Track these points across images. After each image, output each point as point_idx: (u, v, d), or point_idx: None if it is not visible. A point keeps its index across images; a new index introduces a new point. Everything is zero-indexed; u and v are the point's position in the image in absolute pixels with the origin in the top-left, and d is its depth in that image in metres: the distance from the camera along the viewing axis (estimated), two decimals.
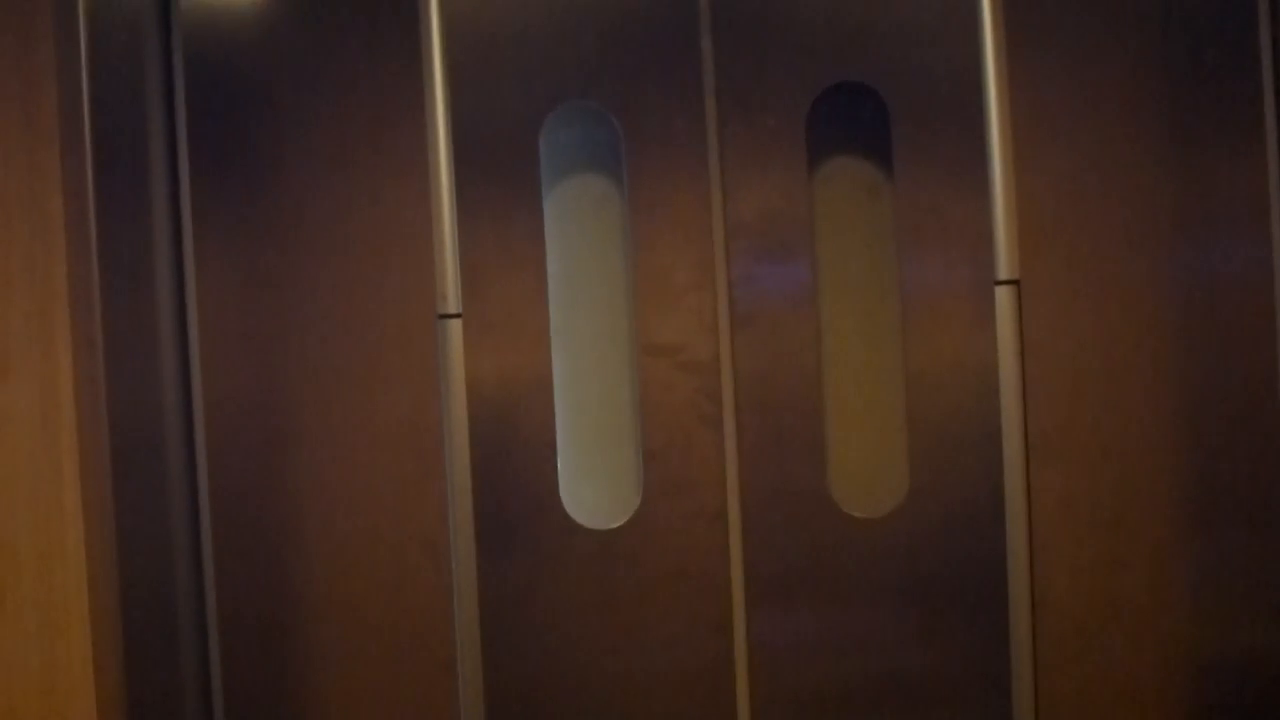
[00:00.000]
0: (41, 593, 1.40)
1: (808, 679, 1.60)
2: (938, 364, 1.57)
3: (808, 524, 1.58)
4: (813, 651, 1.59)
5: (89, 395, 1.43)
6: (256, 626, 1.60)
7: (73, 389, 1.41)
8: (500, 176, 1.58)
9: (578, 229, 1.63)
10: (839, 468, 1.60)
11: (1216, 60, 1.54)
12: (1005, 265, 1.54)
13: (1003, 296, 1.55)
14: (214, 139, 1.58)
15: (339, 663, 1.60)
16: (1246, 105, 1.54)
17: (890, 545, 1.58)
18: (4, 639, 1.39)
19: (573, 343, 1.63)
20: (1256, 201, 1.54)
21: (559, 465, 1.59)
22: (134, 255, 1.53)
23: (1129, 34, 1.54)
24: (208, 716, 1.61)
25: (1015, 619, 1.56)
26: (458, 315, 1.57)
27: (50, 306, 1.41)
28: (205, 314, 1.58)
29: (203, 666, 1.61)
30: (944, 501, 1.57)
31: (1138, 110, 1.55)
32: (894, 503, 1.58)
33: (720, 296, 1.58)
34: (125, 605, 1.46)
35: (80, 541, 1.41)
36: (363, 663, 1.60)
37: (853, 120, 1.59)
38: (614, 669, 1.60)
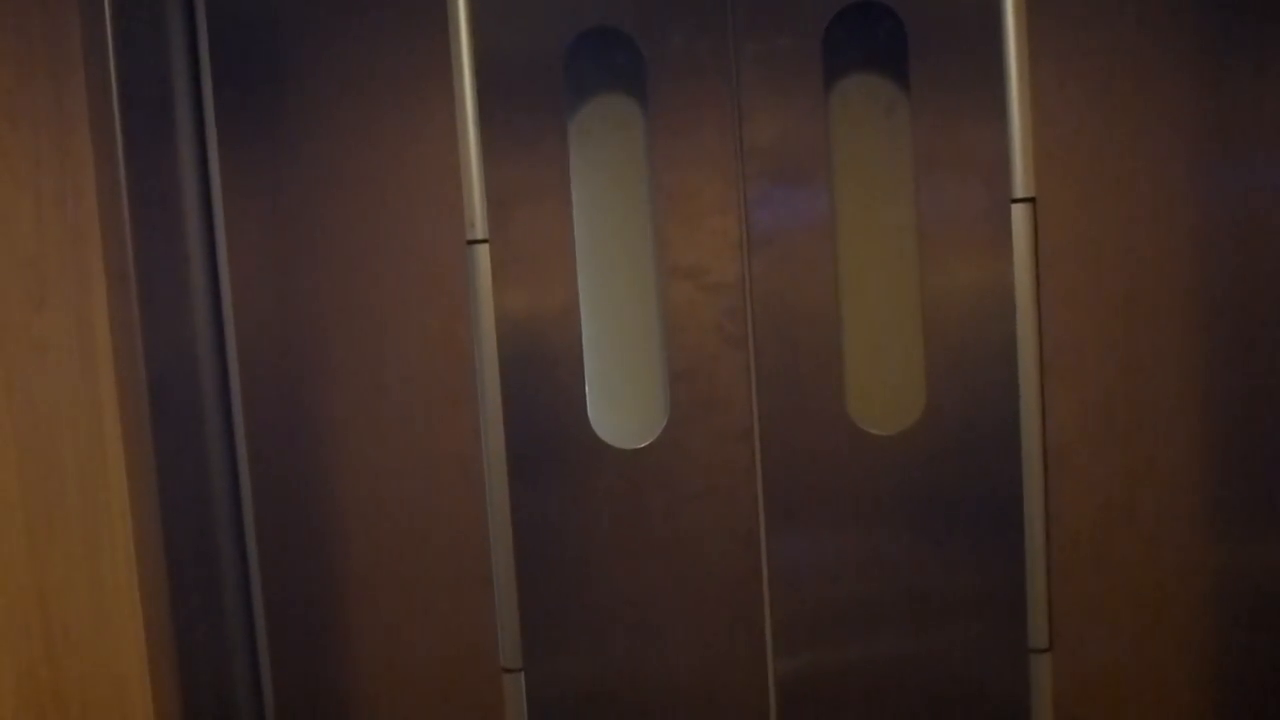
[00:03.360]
0: (87, 516, 1.41)
1: (828, 592, 1.58)
2: (954, 281, 1.53)
3: (826, 441, 1.56)
4: (833, 565, 1.58)
5: (124, 325, 1.43)
6: (294, 547, 1.60)
7: (108, 319, 1.41)
8: (525, 102, 1.53)
9: (601, 153, 1.59)
10: (857, 385, 1.58)
11: None
12: (1021, 183, 1.51)
13: (1018, 214, 1.51)
14: (237, 69, 1.55)
15: (378, 579, 1.60)
16: (1269, 22, 1.49)
17: (907, 461, 1.55)
18: (52, 561, 1.40)
19: (598, 265, 1.59)
20: (1278, 119, 1.49)
21: (587, 386, 1.58)
22: (162, 188, 1.51)
23: None
24: (249, 631, 1.62)
25: (1030, 533, 1.56)
26: (485, 241, 1.55)
27: (83, 240, 1.40)
28: (234, 244, 1.56)
29: (243, 584, 1.61)
30: (960, 418, 1.54)
31: (1157, 25, 1.48)
32: (910, 420, 1.56)
33: (744, 219, 1.56)
34: (166, 525, 1.47)
35: (121, 466, 1.41)
36: (401, 578, 1.60)
37: (869, 40, 1.53)
38: (644, 584, 1.59)
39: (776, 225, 1.55)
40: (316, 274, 1.56)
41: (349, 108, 1.54)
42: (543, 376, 1.57)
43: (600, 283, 1.60)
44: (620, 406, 1.61)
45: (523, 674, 1.61)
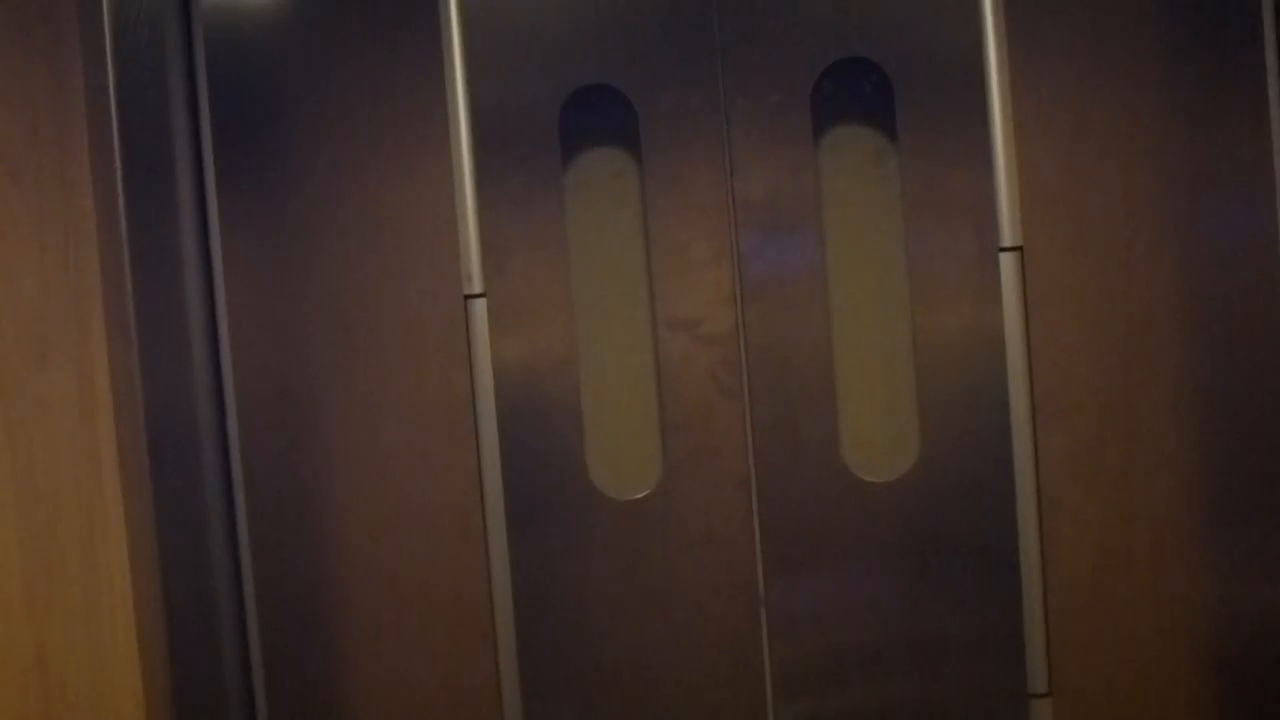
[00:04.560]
0: (86, 573, 1.39)
1: (827, 640, 1.57)
2: (945, 329, 1.54)
3: (822, 489, 1.55)
4: (832, 613, 1.57)
5: (124, 381, 1.42)
6: (293, 601, 1.57)
7: (109, 376, 1.40)
8: (520, 158, 1.55)
9: (596, 207, 1.60)
10: (851, 433, 1.58)
11: (1218, 25, 1.50)
12: (1009, 232, 1.53)
13: (1007, 262, 1.53)
14: (237, 128, 1.55)
15: (377, 634, 1.57)
16: (1249, 70, 1.50)
17: (903, 508, 1.55)
18: (51, 619, 1.38)
19: (594, 318, 1.60)
20: (1260, 165, 1.51)
21: (584, 438, 1.58)
22: (162, 245, 1.51)
23: (1130, 2, 1.54)
24: (248, 689, 1.60)
25: (1026, 577, 1.55)
26: (482, 295, 1.56)
27: (85, 296, 1.40)
28: (234, 300, 1.56)
29: (242, 641, 1.59)
30: (954, 464, 1.54)
31: (1139, 77, 1.51)
32: (905, 466, 1.56)
33: (737, 271, 1.57)
34: (165, 582, 1.45)
35: (121, 523, 1.40)
36: (400, 632, 1.57)
37: (857, 93, 1.55)
38: (643, 634, 1.58)
39: (769, 276, 1.56)
40: (314, 328, 1.56)
41: (347, 165, 1.55)
42: (541, 429, 1.57)
43: (596, 335, 1.60)
44: (617, 458, 1.60)
45: None
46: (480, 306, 1.56)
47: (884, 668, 1.58)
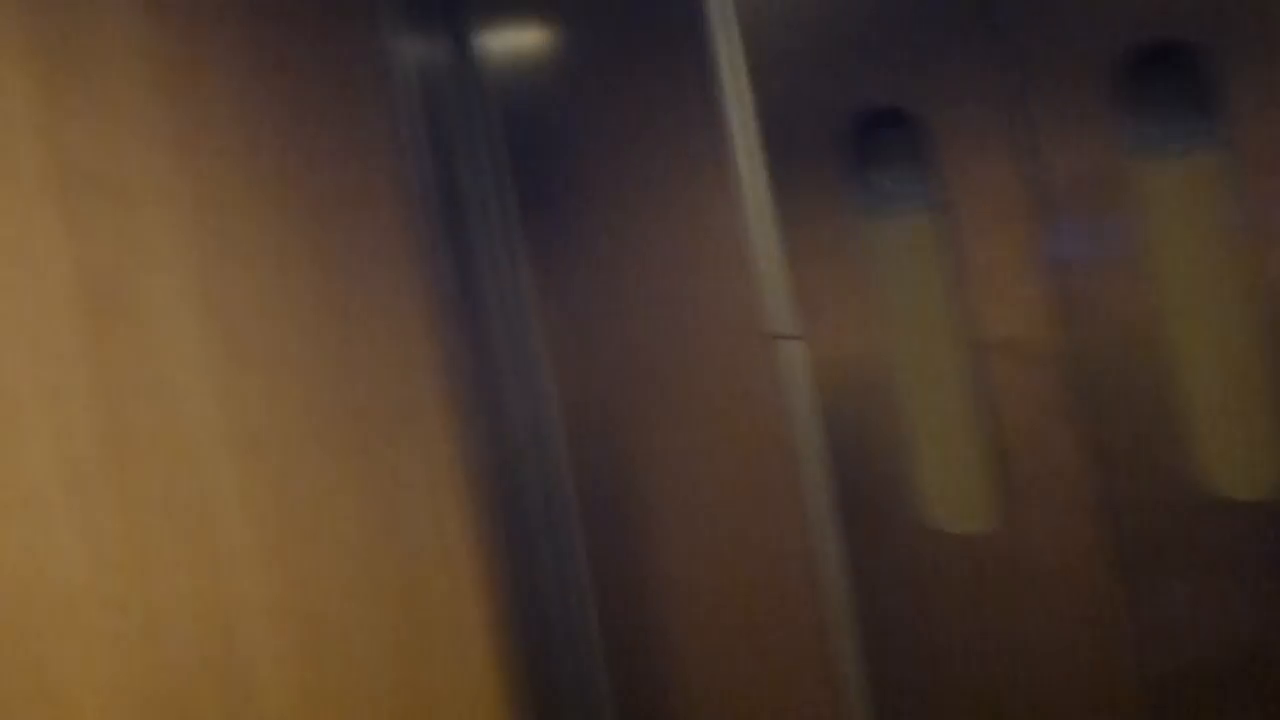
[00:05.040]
0: (451, 635, 1.48)
1: (1199, 667, 1.44)
2: None
3: (1180, 511, 1.43)
4: (1206, 639, 1.44)
5: (467, 453, 1.51)
6: (635, 636, 1.64)
7: (450, 444, 1.50)
8: (812, 189, 1.55)
9: (896, 231, 1.56)
10: (1209, 447, 1.45)
11: None
12: None
13: None
14: (533, 191, 1.65)
15: (717, 665, 1.61)
16: None
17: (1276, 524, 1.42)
18: (421, 681, 1.46)
19: (909, 347, 1.56)
20: None
21: (914, 470, 1.54)
22: (481, 320, 1.63)
23: None
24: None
25: None
26: (794, 335, 1.55)
27: (426, 381, 1.50)
28: (553, 364, 1.66)
29: (591, 671, 1.66)
30: None
31: None
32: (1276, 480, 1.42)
33: (1053, 284, 1.48)
34: (522, 633, 1.53)
35: (479, 582, 1.49)
36: (741, 665, 1.60)
37: (1169, 81, 1.42)
38: (996, 669, 1.51)
39: (1090, 286, 1.45)
40: (629, 373, 1.63)
41: (644, 212, 1.61)
42: (868, 463, 1.54)
43: (914, 362, 1.56)
44: (951, 491, 1.54)
45: None
46: (792, 346, 1.55)
47: (1265, 698, 1.42)
